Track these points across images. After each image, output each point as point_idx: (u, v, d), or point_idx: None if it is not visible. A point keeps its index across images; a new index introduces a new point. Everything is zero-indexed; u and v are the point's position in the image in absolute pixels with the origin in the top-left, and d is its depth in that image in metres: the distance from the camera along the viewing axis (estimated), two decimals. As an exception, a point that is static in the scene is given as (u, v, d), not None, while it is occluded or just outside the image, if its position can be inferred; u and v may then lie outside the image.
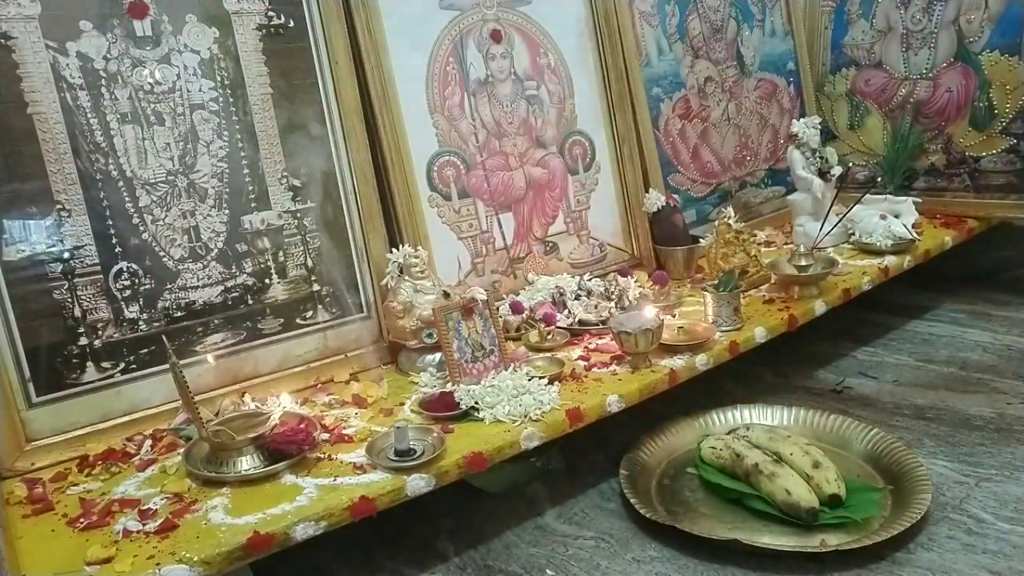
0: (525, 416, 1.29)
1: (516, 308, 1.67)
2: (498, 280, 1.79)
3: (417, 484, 1.15)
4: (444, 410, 1.32)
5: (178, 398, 1.24)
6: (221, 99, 1.45)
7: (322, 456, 1.22)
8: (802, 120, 2.14)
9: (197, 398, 1.24)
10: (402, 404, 1.39)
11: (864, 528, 1.24)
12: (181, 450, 1.24)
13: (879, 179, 2.34)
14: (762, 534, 1.25)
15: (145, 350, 1.36)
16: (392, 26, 1.66)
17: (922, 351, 1.94)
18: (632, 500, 1.33)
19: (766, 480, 1.30)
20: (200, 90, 1.43)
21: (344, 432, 1.29)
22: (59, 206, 1.29)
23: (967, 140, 2.25)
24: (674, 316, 1.69)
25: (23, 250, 1.27)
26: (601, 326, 1.64)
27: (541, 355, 1.55)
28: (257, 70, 1.49)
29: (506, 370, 1.43)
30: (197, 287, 1.42)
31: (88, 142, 1.32)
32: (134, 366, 1.35)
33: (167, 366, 1.22)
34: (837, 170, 2.10)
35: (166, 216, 1.39)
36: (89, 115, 1.32)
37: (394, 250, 1.55)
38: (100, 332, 1.33)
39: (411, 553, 1.30)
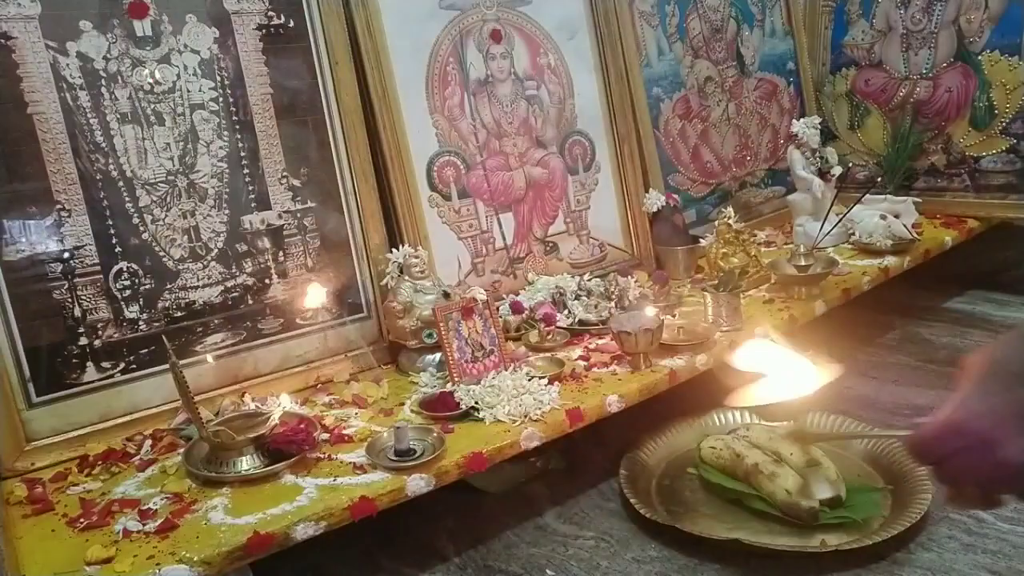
0: (525, 416, 1.29)
1: (516, 308, 1.67)
2: (498, 280, 1.79)
3: (417, 484, 1.15)
4: (444, 410, 1.32)
5: (178, 398, 1.24)
6: (221, 99, 1.45)
7: (322, 456, 1.22)
8: (802, 120, 2.14)
9: (197, 398, 1.24)
10: (402, 404, 1.39)
11: (864, 528, 1.24)
12: (181, 450, 1.24)
13: (879, 179, 2.34)
14: (762, 534, 1.25)
15: (145, 350, 1.36)
16: (392, 26, 1.66)
17: (922, 351, 1.94)
18: (632, 500, 1.33)
19: (766, 480, 1.30)
20: (200, 90, 1.43)
21: (344, 432, 1.28)
22: (59, 206, 1.29)
23: (967, 140, 2.25)
24: (674, 316, 1.69)
25: (23, 250, 1.27)
26: (601, 326, 1.64)
27: (541, 355, 1.55)
28: (257, 70, 1.48)
29: (506, 370, 1.43)
30: (197, 287, 1.42)
31: (88, 142, 1.32)
32: (134, 366, 1.35)
33: (167, 366, 1.22)
34: (837, 170, 2.10)
35: (166, 216, 1.39)
36: (89, 115, 1.32)
37: (394, 250, 1.55)
38: (100, 332, 1.33)
39: (411, 553, 1.30)
